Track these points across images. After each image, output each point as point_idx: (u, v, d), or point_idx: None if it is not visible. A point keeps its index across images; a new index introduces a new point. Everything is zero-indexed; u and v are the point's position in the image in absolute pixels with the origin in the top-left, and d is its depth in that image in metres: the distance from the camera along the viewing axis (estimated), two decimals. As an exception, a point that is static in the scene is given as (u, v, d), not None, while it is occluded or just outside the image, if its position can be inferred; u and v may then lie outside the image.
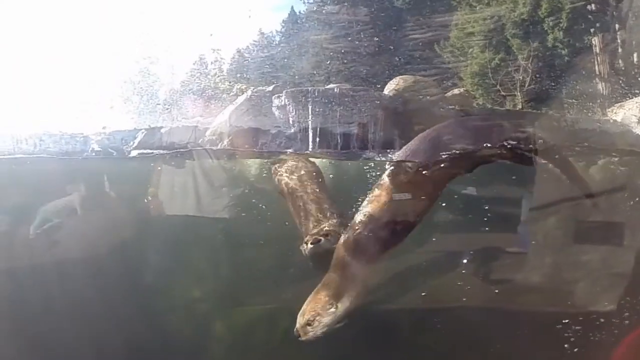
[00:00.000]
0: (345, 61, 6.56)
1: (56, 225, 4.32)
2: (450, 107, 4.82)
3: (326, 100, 4.02)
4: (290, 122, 4.13)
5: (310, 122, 3.98)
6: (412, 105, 4.35)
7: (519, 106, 5.83)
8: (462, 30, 6.84)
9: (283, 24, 6.94)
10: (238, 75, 5.88)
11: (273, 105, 4.26)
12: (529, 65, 6.02)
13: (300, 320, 2.73)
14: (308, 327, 2.69)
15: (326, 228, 3.13)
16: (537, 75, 6.33)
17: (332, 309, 2.71)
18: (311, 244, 2.97)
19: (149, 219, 4.22)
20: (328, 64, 6.61)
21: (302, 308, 2.77)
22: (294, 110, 4.09)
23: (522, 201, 4.39)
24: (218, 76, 5.49)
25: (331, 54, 6.70)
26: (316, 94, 4.07)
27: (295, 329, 2.73)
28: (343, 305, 2.70)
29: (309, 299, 2.79)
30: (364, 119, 3.99)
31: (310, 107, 4.00)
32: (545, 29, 7.01)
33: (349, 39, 6.77)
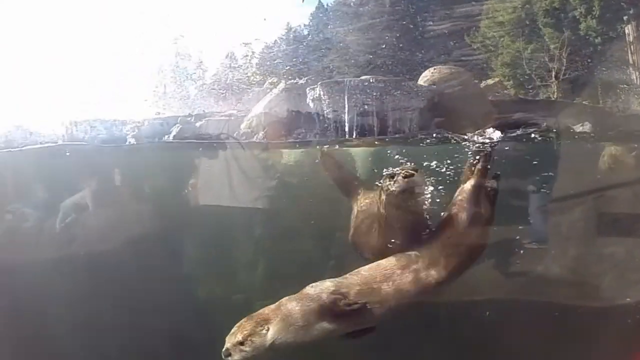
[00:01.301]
0: (373, 53, 6.51)
1: (74, 220, 4.47)
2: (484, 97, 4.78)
3: (362, 91, 4.02)
4: (325, 112, 4.15)
5: (346, 113, 3.98)
6: (448, 96, 4.31)
7: (554, 96, 5.69)
8: (492, 19, 6.72)
9: (311, 17, 6.93)
10: (267, 68, 5.90)
11: (308, 97, 4.28)
12: (563, 54, 5.87)
13: (231, 340, 2.75)
14: (241, 347, 2.72)
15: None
16: (571, 65, 6.18)
17: (264, 332, 2.74)
18: (403, 177, 2.86)
19: (189, 209, 4.30)
20: (356, 56, 6.59)
21: (233, 330, 2.79)
22: (330, 102, 4.10)
23: (540, 194, 4.32)
24: (249, 69, 5.52)
25: (359, 46, 6.67)
26: (352, 85, 4.07)
27: (225, 349, 2.74)
28: (273, 329, 2.73)
29: (240, 322, 2.82)
30: (401, 109, 3.97)
31: (346, 97, 4.00)
32: (577, 17, 6.83)
33: (377, 30, 6.72)
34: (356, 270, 3.04)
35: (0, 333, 3.98)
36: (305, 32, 6.83)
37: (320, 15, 7.06)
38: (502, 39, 6.52)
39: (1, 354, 3.97)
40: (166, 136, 4.68)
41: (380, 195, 3.06)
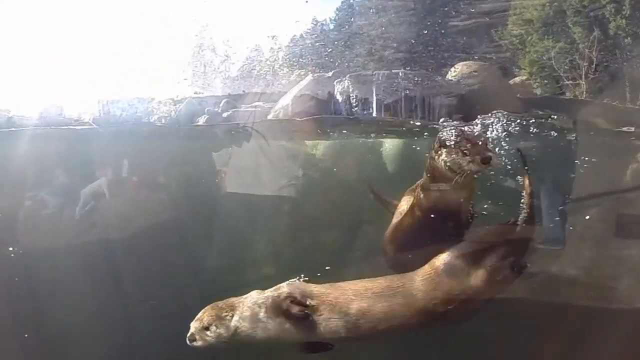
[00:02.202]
0: (397, 48, 6.52)
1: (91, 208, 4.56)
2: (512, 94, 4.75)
3: (390, 84, 4.04)
4: (354, 104, 4.18)
5: (374, 105, 4.01)
6: (476, 91, 4.30)
7: (582, 95, 5.62)
8: (520, 16, 6.65)
9: (337, 12, 6.97)
10: (294, 61, 5.95)
11: (336, 89, 4.32)
12: (593, 53, 5.79)
13: (196, 325, 2.71)
14: (206, 332, 2.70)
15: None
16: (601, 64, 6.09)
17: (228, 318, 2.71)
18: (482, 161, 2.46)
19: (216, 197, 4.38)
20: (381, 51, 6.60)
21: (198, 315, 2.75)
22: (357, 93, 4.12)
23: (557, 194, 4.26)
24: (275, 61, 5.59)
25: (384, 41, 6.68)
26: (380, 78, 4.08)
27: (190, 333, 2.70)
28: (237, 317, 2.70)
29: (206, 308, 2.78)
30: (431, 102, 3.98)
31: (374, 90, 4.03)
32: (607, 16, 6.72)
33: (402, 25, 6.72)
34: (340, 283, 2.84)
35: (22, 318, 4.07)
36: (332, 27, 6.87)
37: (346, 9, 7.09)
38: (530, 37, 6.45)
39: (21, 339, 4.06)
40: (199, 118, 4.75)
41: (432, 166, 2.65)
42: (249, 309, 2.75)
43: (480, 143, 2.48)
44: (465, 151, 2.42)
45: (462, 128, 2.68)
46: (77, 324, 3.98)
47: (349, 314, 2.66)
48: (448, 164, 2.47)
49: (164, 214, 4.48)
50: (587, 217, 4.23)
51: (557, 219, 3.88)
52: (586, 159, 4.25)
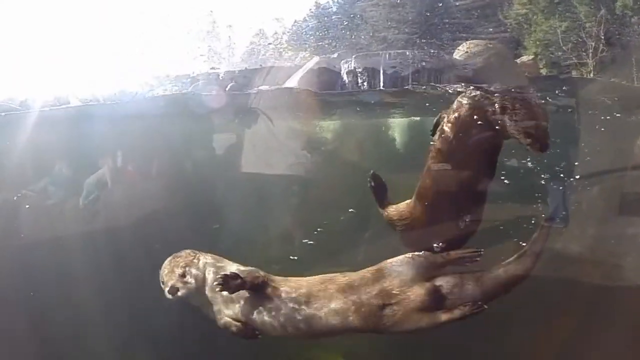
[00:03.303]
0: (399, 29, 6.44)
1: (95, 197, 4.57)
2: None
3: (398, 64, 4.01)
4: (360, 84, 4.17)
5: (381, 85, 3.99)
6: (484, 71, 4.27)
7: (590, 75, 5.59)
8: (525, -5, 6.56)
9: (338, -8, 6.86)
10: (298, 44, 5.91)
11: (342, 70, 4.30)
12: (601, 32, 5.73)
13: (172, 277, 2.75)
14: (183, 279, 2.74)
15: None
16: (607, 43, 6.03)
17: (196, 261, 2.83)
18: (542, 149, 2.42)
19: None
20: (384, 31, 6.52)
21: (166, 270, 2.81)
22: (365, 74, 4.11)
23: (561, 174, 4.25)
24: (280, 45, 5.54)
25: (387, 21, 6.59)
26: (388, 58, 4.06)
27: (170, 287, 2.73)
28: (203, 259, 2.85)
29: (167, 261, 2.87)
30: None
31: (381, 70, 4.01)
32: (613, -6, 6.63)
33: (405, 5, 6.63)
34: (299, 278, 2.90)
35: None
36: (335, 9, 6.78)
37: (348, -10, 6.99)
38: (535, 16, 6.38)
39: (25, 328, 4.08)
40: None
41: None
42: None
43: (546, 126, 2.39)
44: (530, 132, 2.34)
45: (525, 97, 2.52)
46: (86, 318, 4.04)
47: (299, 307, 2.70)
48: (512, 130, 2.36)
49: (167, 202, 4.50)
50: (591, 195, 4.23)
51: (561, 197, 3.87)
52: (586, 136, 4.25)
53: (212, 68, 4.61)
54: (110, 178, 4.64)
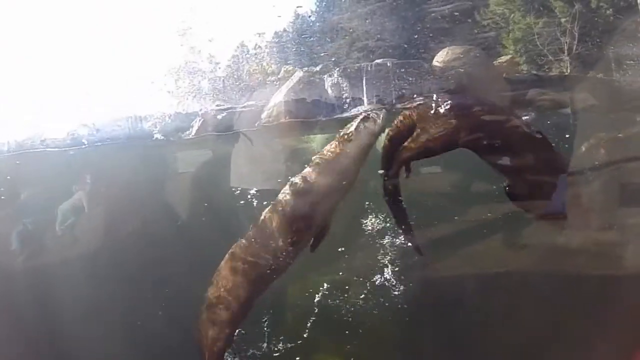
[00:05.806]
0: (378, 38, 6.51)
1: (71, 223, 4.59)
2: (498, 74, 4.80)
3: (379, 75, 4.08)
4: (344, 97, 4.23)
5: (365, 97, 4.06)
6: (463, 76, 4.35)
7: (567, 71, 5.69)
8: (501, -6, 6.66)
9: (317, 3, 6.92)
10: (279, 58, 5.94)
11: (326, 83, 4.35)
12: (575, 28, 5.84)
13: None
14: None
15: None
16: (584, 39, 6.14)
17: None
18: None
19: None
20: (363, 40, 6.58)
21: None
22: (348, 87, 4.17)
23: None
24: (263, 59, 5.58)
25: (367, 30, 6.66)
26: (369, 69, 4.13)
27: None
28: None
29: None
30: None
31: (364, 81, 4.07)
32: (589, -11, 6.74)
33: (382, 14, 6.70)
34: None
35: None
36: (313, 19, 6.83)
37: (326, 0, 7.04)
38: (512, 14, 6.48)
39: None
40: (187, 132, 4.77)
41: None
42: None
43: None
44: None
45: None
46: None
47: None
48: None
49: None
50: (590, 187, 4.31)
51: (557, 189, 3.93)
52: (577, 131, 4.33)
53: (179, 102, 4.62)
54: (87, 203, 4.66)
